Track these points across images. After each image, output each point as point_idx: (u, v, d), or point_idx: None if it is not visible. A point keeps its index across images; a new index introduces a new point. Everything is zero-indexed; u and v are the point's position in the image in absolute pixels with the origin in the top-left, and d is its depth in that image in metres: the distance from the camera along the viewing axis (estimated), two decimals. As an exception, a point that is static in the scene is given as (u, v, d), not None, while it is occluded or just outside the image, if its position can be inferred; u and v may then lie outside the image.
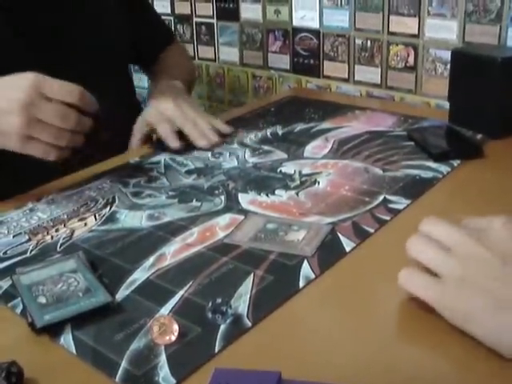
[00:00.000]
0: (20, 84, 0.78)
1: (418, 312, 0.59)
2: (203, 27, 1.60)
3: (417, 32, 1.22)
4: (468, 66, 1.03)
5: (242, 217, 0.77)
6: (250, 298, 0.61)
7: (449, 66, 1.11)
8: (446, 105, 1.11)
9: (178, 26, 1.66)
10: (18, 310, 0.61)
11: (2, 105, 0.78)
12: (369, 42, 1.30)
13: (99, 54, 1.08)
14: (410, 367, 0.52)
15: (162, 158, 0.99)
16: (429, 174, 0.87)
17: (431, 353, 0.54)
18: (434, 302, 0.55)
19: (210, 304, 0.57)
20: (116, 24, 1.14)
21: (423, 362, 0.53)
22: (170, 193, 0.86)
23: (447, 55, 1.15)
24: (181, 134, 1.03)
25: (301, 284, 0.63)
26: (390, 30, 1.26)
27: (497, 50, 1.09)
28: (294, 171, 0.91)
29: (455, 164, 0.90)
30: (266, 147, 1.01)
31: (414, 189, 0.83)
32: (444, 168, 0.89)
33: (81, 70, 1.00)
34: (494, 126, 1.00)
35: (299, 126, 1.10)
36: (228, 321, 0.57)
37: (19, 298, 0.62)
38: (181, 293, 0.62)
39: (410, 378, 0.50)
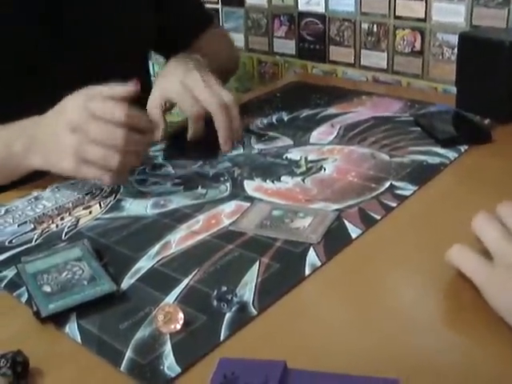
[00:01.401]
0: (68, 105, 0.78)
1: (426, 299, 0.59)
2: (208, 13, 1.59)
3: (424, 16, 1.20)
4: (476, 50, 1.01)
5: (247, 204, 0.77)
6: (255, 285, 0.61)
7: (456, 51, 1.10)
8: (454, 89, 1.10)
9: (183, 12, 1.65)
10: (24, 299, 0.61)
11: (54, 129, 0.78)
12: (375, 27, 1.28)
13: (122, 40, 1.04)
14: (417, 355, 0.51)
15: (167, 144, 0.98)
16: (436, 160, 0.87)
17: (439, 340, 0.53)
18: (480, 284, 0.54)
19: (216, 292, 0.57)
20: (141, 8, 1.09)
21: (430, 350, 0.52)
22: (176, 180, 0.85)
23: (454, 39, 1.14)
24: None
25: (307, 271, 0.63)
26: (396, 14, 1.24)
27: (505, 33, 1.07)
28: (300, 157, 0.90)
29: (462, 150, 0.89)
30: (271, 133, 1.00)
31: (421, 175, 0.82)
32: (451, 154, 0.88)
33: (101, 56, 0.99)
34: (502, 110, 0.99)
35: (305, 112, 1.09)
36: (233, 309, 0.57)
37: (24, 287, 0.62)
38: (186, 281, 0.62)
39: (418, 366, 0.50)
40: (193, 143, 0.90)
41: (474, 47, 1.02)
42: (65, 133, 0.76)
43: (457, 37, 1.06)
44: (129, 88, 0.78)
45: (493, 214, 0.60)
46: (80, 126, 0.75)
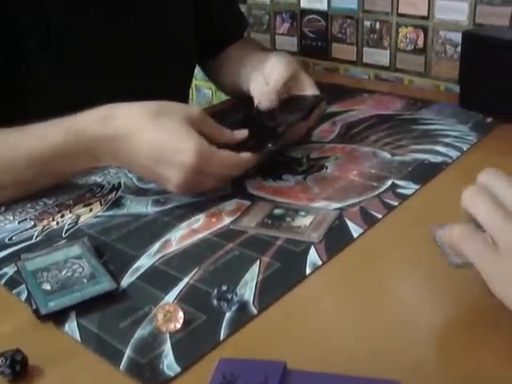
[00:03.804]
0: (180, 160, 0.71)
1: (428, 299, 0.59)
2: (210, 9, 1.58)
3: (426, 14, 1.20)
4: (479, 48, 1.01)
5: (248, 202, 0.77)
6: (256, 284, 0.60)
7: (459, 49, 1.09)
8: (456, 88, 1.09)
9: (185, 9, 1.64)
10: (23, 297, 0.60)
11: (156, 173, 0.74)
12: (377, 24, 1.28)
13: (162, 57, 1.02)
14: (418, 354, 0.51)
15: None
16: (438, 159, 0.86)
17: (440, 339, 0.53)
18: (484, 273, 0.51)
19: (216, 291, 0.57)
20: (182, 21, 1.06)
21: (432, 351, 0.52)
22: (176, 178, 0.85)
23: (457, 37, 1.13)
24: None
25: (307, 271, 0.62)
26: (399, 11, 1.24)
27: (508, 32, 1.07)
28: (302, 156, 0.90)
29: (465, 148, 0.89)
30: (273, 131, 1.00)
31: (423, 173, 0.82)
32: (454, 152, 0.88)
33: (142, 74, 0.98)
34: (505, 109, 0.99)
35: (307, 110, 1.09)
36: (233, 308, 0.57)
37: (24, 285, 0.61)
38: (186, 280, 0.61)
39: (418, 366, 0.50)
40: None
41: (478, 46, 1.01)
42: (169, 186, 0.74)
43: (459, 35, 1.06)
44: (250, 159, 0.77)
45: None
46: (189, 185, 0.74)
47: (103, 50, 0.93)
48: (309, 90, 0.92)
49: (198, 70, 1.22)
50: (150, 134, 0.73)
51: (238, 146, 0.77)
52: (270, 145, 0.79)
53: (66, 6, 0.88)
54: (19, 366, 0.50)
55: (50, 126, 0.77)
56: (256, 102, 0.90)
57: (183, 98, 1.12)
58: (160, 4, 1.01)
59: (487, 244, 0.51)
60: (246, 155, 0.76)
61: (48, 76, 0.88)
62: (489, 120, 0.99)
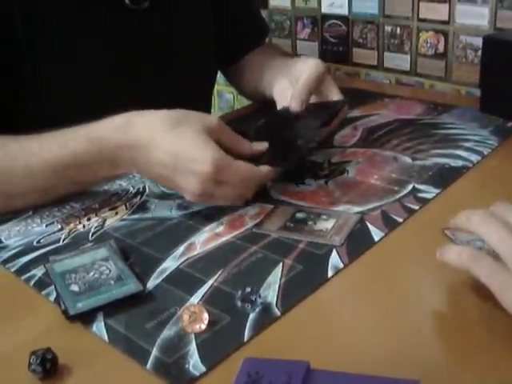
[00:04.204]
0: (196, 169, 0.72)
1: (448, 302, 0.59)
2: (232, 15, 1.60)
3: (447, 18, 1.20)
4: (500, 52, 1.01)
5: (271, 206, 0.78)
6: (279, 287, 0.61)
7: (479, 53, 1.10)
8: (477, 92, 1.10)
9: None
10: (52, 298, 0.62)
11: (172, 181, 0.75)
12: (398, 29, 1.29)
13: (192, 60, 1.05)
14: (437, 355, 0.52)
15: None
16: (458, 163, 0.87)
17: (458, 341, 0.54)
18: (497, 292, 0.53)
19: (240, 293, 0.58)
20: (197, 25, 1.07)
21: (450, 350, 0.53)
22: (200, 182, 0.86)
23: (478, 42, 1.14)
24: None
25: (329, 273, 0.63)
26: (419, 16, 1.24)
27: (529, 36, 1.07)
28: (323, 160, 0.91)
29: (485, 152, 0.89)
30: (294, 136, 1.01)
31: (444, 178, 0.83)
32: (474, 157, 0.88)
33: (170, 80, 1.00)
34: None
35: (328, 115, 1.10)
36: (257, 310, 0.58)
37: (52, 286, 0.63)
38: (210, 282, 0.63)
39: (437, 367, 0.50)
40: None
41: (498, 50, 1.02)
42: (186, 194, 0.75)
43: (480, 39, 1.06)
44: (268, 173, 0.78)
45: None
46: (205, 194, 0.74)
47: (111, 52, 0.94)
48: (333, 94, 0.93)
49: (219, 75, 1.23)
50: (168, 143, 0.74)
51: (256, 159, 0.78)
52: (288, 159, 0.81)
53: (75, 7, 0.90)
54: (49, 364, 0.51)
55: (69, 133, 0.78)
56: (278, 106, 0.91)
57: (203, 102, 1.14)
58: (173, 6, 1.02)
59: (498, 265, 0.53)
60: (264, 168, 0.77)
61: (52, 76, 0.89)
62: (510, 124, 0.99)
